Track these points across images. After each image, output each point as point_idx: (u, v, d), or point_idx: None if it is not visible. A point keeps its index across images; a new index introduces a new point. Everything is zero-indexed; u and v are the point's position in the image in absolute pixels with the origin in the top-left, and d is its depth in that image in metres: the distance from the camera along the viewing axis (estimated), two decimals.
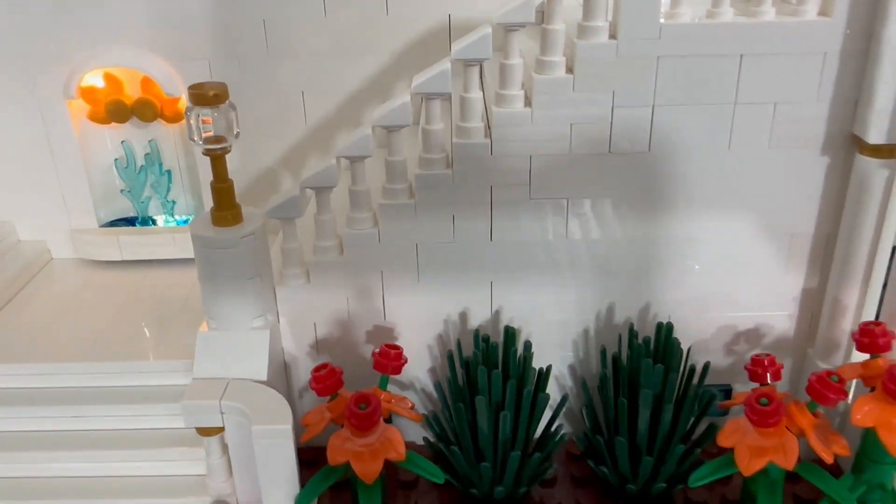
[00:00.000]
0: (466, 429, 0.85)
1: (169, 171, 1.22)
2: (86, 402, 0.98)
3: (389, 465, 0.83)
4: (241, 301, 0.89)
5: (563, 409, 0.91)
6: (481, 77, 0.86)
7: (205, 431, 0.87)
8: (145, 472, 0.94)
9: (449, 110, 0.93)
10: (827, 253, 0.91)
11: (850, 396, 0.91)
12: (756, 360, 0.87)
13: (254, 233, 0.87)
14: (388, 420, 0.90)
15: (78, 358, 1.01)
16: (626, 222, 0.89)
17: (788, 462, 0.79)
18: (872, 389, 0.82)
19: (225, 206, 0.87)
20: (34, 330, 1.08)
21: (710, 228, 0.89)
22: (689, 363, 0.90)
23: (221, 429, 0.86)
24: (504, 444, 0.85)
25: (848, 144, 0.85)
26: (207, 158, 0.85)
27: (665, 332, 0.89)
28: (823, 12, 0.80)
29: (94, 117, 1.17)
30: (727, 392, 0.97)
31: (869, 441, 0.83)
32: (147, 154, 1.22)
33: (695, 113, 0.83)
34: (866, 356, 0.84)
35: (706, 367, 0.89)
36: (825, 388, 0.79)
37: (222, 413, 0.84)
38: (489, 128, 0.84)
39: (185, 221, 1.26)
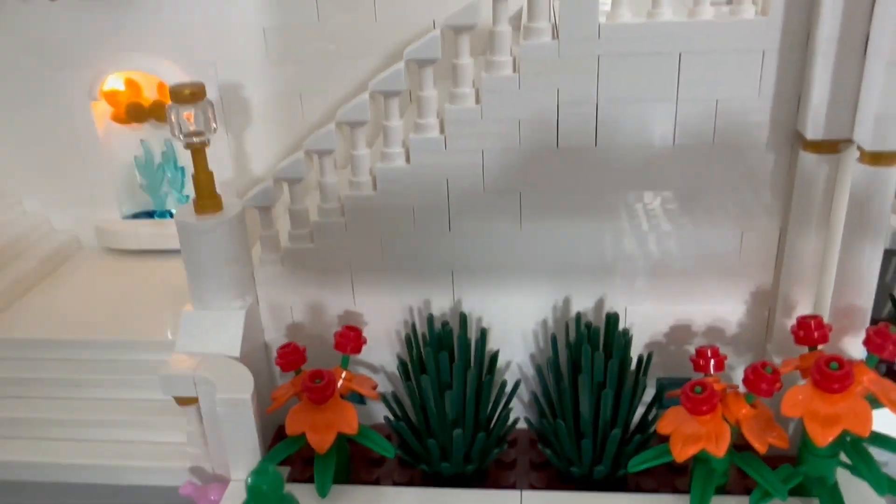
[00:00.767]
0: (418, 407, 0.91)
1: (182, 168, 1.33)
2: (93, 374, 1.09)
3: (356, 444, 0.90)
4: (220, 284, 0.97)
5: (516, 394, 0.95)
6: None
7: (182, 401, 0.94)
8: (134, 438, 1.04)
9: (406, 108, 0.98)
10: (780, 249, 0.92)
11: None
12: (700, 352, 0.89)
13: (230, 220, 0.95)
14: (358, 399, 0.96)
15: (93, 334, 1.12)
16: (578, 216, 0.92)
17: (720, 449, 0.81)
18: None
19: (205, 196, 0.96)
20: (58, 308, 1.20)
21: (662, 223, 0.92)
22: (647, 356, 0.92)
23: (197, 399, 0.94)
24: (452, 424, 0.89)
25: (793, 141, 0.86)
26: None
27: (612, 322, 0.92)
28: (761, 11, 0.82)
29: (116, 118, 1.28)
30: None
31: (806, 433, 0.83)
32: (164, 152, 1.32)
33: (638, 110, 0.86)
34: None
35: (650, 356, 0.91)
36: (759, 379, 0.81)
37: (195, 384, 0.92)
38: (443, 124, 0.90)
39: None
